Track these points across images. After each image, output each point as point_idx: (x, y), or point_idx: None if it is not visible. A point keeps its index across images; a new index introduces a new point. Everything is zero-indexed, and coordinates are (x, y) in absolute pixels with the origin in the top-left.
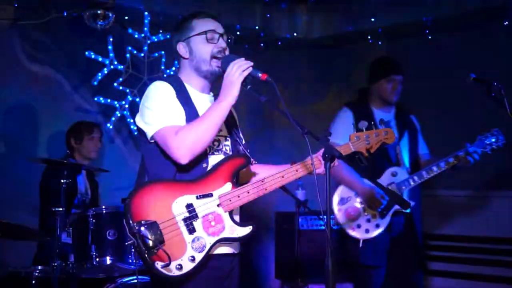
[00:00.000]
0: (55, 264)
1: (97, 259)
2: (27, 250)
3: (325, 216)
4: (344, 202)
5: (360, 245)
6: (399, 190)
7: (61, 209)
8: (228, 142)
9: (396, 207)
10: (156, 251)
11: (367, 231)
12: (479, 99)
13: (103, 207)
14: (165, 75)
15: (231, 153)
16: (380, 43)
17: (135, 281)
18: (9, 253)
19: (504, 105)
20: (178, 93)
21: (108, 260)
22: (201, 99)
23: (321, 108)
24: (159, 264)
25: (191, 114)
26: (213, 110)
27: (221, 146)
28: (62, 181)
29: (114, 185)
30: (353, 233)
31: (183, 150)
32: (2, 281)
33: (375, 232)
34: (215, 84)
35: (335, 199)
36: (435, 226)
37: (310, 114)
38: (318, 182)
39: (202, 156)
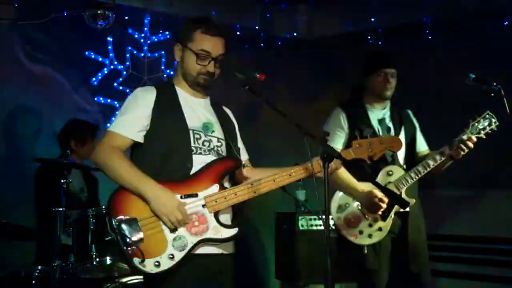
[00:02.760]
0: (55, 264)
1: (97, 259)
2: (27, 250)
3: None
4: (342, 209)
5: (365, 251)
6: (398, 189)
7: (61, 209)
8: (220, 144)
9: (396, 208)
10: (134, 247)
11: (370, 236)
12: (479, 99)
13: (103, 207)
14: (165, 75)
15: (224, 154)
16: (380, 43)
17: (135, 281)
18: (9, 253)
19: (504, 105)
20: (162, 101)
21: (108, 260)
22: (193, 103)
23: (321, 108)
24: (137, 260)
25: (175, 119)
26: (131, 178)
27: (211, 146)
28: (62, 180)
29: (113, 184)
30: (356, 240)
31: (95, 157)
32: (2, 281)
33: (379, 236)
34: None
35: (334, 206)
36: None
37: (310, 114)
38: (316, 182)
39: (187, 156)
